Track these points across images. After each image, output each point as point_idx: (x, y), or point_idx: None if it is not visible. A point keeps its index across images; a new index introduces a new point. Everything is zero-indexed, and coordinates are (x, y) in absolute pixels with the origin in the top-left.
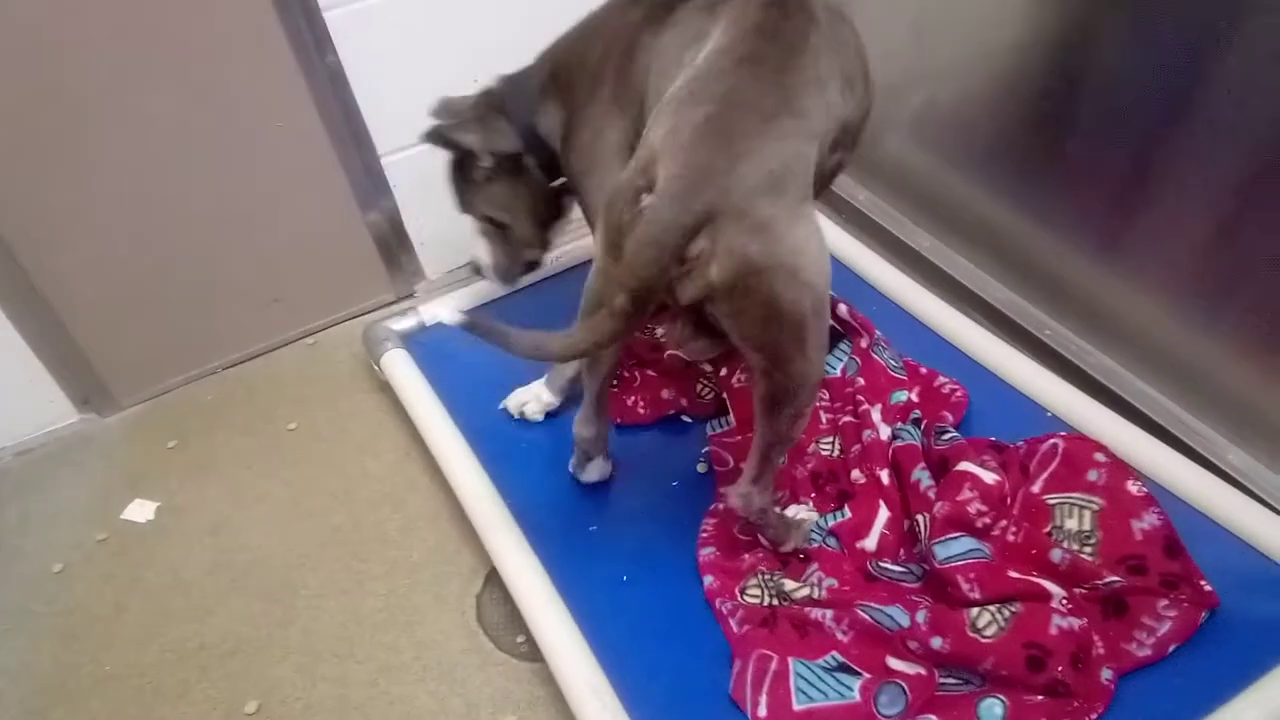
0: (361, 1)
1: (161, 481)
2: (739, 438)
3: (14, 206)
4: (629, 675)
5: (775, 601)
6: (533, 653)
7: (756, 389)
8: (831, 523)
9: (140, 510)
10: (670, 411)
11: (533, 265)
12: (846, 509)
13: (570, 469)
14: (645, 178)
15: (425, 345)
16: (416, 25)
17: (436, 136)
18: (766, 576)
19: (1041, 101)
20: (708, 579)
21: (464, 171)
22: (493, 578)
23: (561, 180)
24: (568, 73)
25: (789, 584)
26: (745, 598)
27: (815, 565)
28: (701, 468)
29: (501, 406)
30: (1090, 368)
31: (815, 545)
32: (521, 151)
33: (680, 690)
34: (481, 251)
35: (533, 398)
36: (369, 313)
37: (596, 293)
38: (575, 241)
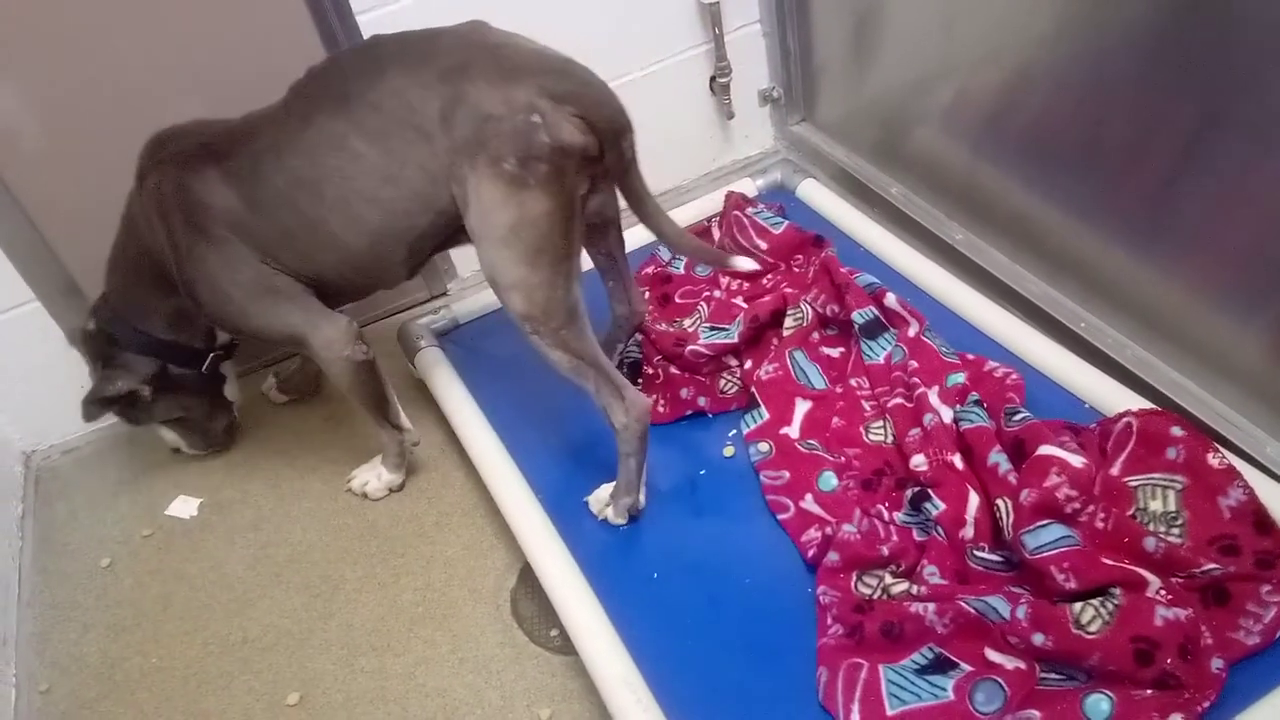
0: (394, 4)
1: (204, 478)
2: (788, 476)
3: (57, 211)
4: (662, 668)
5: (881, 595)
6: (567, 646)
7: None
8: (935, 512)
9: (184, 506)
10: (689, 411)
11: (233, 423)
12: (937, 498)
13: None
14: (521, 104)
15: (459, 343)
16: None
17: (97, 409)
18: (885, 571)
19: (1074, 91)
20: (833, 555)
21: (130, 406)
22: (526, 572)
23: (211, 358)
24: (143, 261)
25: (890, 580)
26: (859, 587)
27: (926, 561)
28: (729, 451)
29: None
30: (1126, 360)
31: (929, 537)
32: (161, 365)
33: (712, 682)
34: (173, 439)
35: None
36: (403, 311)
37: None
38: None
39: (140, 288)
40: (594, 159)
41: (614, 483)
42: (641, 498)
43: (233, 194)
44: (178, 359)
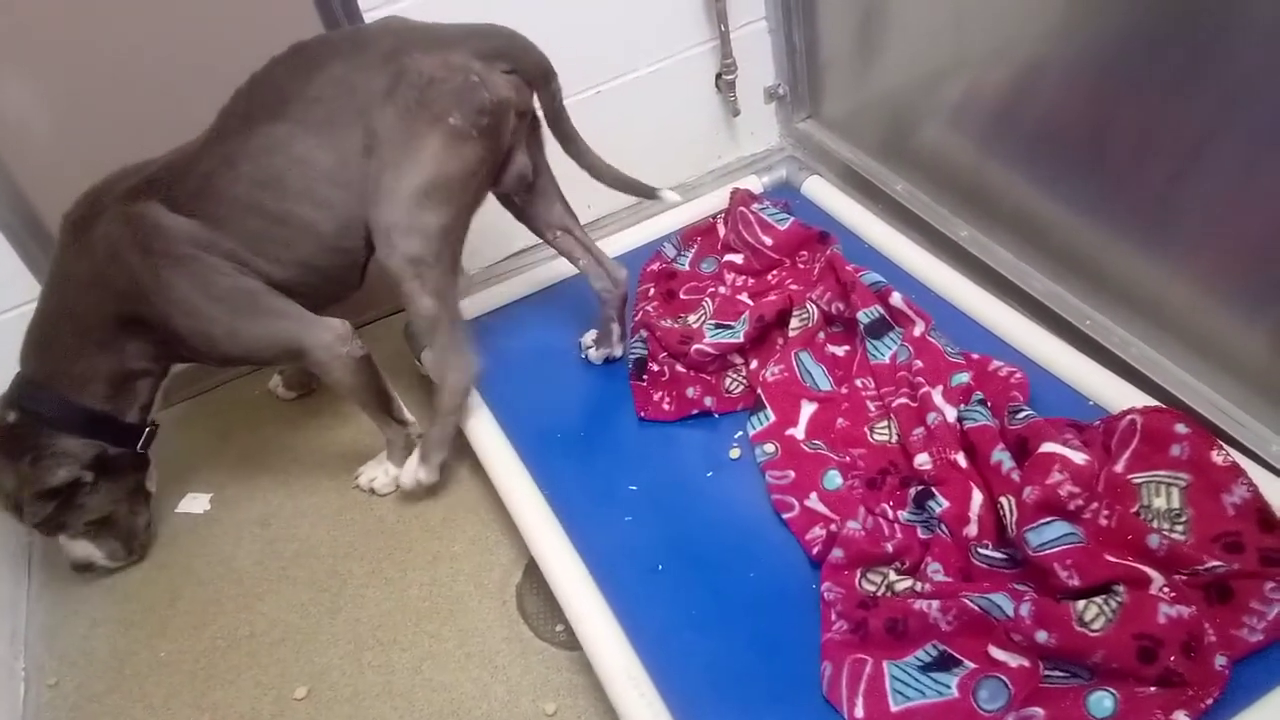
0: (401, 2)
1: (212, 474)
2: (793, 475)
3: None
4: (666, 663)
5: (885, 592)
6: (572, 641)
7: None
8: (939, 510)
9: (194, 503)
10: (694, 411)
11: (151, 521)
12: (941, 496)
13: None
14: (458, 66)
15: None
16: None
17: (40, 506)
18: (889, 568)
19: (1081, 88)
20: (837, 552)
21: (65, 504)
22: (532, 568)
23: (146, 433)
24: (90, 322)
25: (895, 577)
26: (863, 584)
27: (930, 558)
28: (735, 453)
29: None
30: (1131, 358)
31: (933, 535)
32: (103, 446)
33: (716, 678)
34: (86, 553)
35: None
36: None
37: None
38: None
39: (80, 352)
40: (525, 110)
41: (430, 434)
42: (444, 454)
43: (186, 218)
44: (115, 435)
